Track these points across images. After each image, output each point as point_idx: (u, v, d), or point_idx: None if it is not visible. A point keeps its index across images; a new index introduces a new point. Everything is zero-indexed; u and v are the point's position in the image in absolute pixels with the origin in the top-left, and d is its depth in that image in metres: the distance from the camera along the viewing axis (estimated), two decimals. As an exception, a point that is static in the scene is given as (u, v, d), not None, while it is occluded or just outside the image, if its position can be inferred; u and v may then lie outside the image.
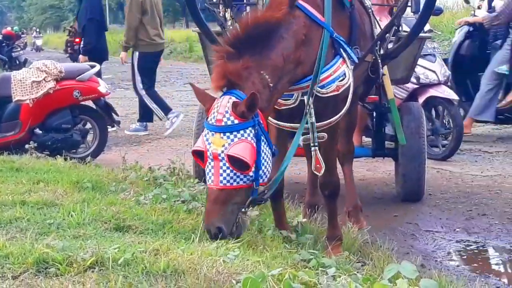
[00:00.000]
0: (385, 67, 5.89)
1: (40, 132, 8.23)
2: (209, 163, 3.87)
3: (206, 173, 3.92)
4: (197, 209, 4.82)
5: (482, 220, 6.24)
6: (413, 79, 8.41)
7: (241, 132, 3.84)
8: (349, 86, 4.49)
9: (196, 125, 6.65)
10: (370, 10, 5.26)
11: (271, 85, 4.04)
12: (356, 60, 4.56)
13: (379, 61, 5.32)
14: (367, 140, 8.29)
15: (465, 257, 5.49)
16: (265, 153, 3.93)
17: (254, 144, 3.86)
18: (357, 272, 3.87)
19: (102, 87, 8.51)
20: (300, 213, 5.17)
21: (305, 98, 4.35)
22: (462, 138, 8.72)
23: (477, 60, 10.17)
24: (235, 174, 3.83)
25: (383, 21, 6.41)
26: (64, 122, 8.26)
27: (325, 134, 4.49)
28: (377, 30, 5.64)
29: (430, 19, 13.18)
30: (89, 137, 8.64)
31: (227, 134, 3.82)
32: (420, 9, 5.62)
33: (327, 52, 4.37)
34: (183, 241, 3.89)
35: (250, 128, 3.85)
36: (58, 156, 6.92)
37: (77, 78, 8.30)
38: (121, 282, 3.10)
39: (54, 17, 72.11)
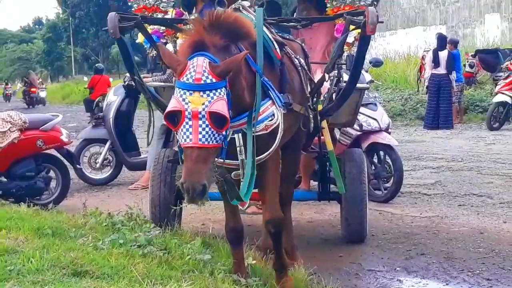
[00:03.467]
0: (324, 121, 5.93)
1: (5, 180, 8.13)
2: (187, 123, 3.78)
3: (181, 134, 3.80)
4: (152, 253, 4.79)
5: (421, 259, 6.28)
6: (356, 127, 8.51)
7: (219, 90, 3.81)
8: (278, 126, 4.49)
9: (152, 169, 6.59)
10: (300, 68, 5.26)
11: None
12: (280, 104, 4.52)
13: (310, 115, 5.37)
14: (315, 184, 8.32)
15: (405, 294, 5.52)
16: (229, 114, 3.92)
17: (227, 103, 3.85)
18: (303, 311, 3.88)
19: (65, 136, 8.50)
20: (250, 255, 5.14)
21: (236, 136, 4.35)
22: (403, 181, 8.81)
23: None
24: (212, 132, 3.78)
25: (318, 75, 6.43)
26: (28, 170, 8.19)
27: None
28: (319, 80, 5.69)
29: (373, 70, 13.38)
30: (52, 184, 8.56)
31: (207, 92, 3.78)
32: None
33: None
34: (137, 285, 3.85)
35: (223, 88, 3.84)
36: (22, 203, 6.83)
37: (41, 128, 8.27)
38: (76, 327, 3.06)
39: (22, 69, 71.58)
